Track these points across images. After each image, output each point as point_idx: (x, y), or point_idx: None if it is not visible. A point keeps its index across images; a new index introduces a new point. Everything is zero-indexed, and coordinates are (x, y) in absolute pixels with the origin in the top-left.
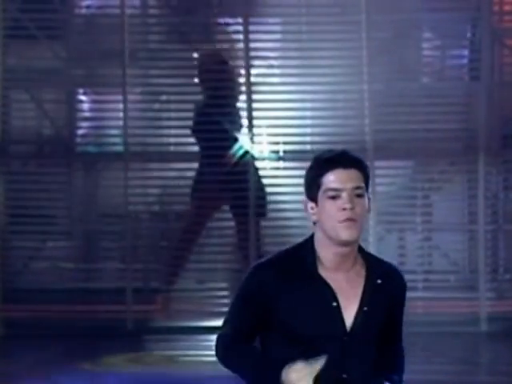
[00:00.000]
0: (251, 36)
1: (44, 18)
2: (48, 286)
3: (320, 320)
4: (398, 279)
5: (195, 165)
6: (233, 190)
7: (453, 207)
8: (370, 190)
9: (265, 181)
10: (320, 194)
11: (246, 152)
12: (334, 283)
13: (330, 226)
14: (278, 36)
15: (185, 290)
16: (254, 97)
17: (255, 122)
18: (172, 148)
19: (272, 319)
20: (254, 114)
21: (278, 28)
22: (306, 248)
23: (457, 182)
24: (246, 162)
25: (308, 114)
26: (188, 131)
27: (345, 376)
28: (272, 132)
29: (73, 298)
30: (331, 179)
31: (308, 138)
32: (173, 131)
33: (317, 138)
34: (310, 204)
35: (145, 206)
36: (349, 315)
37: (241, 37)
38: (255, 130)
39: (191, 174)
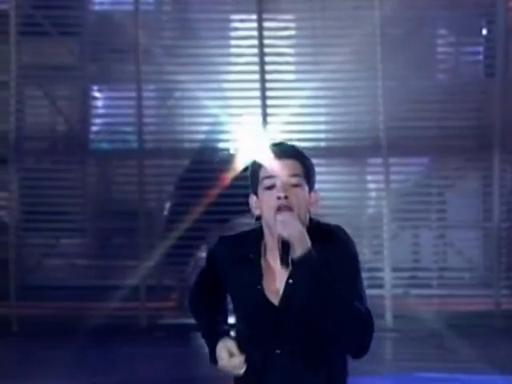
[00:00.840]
0: (265, 33)
1: (57, 15)
2: (61, 283)
3: (249, 300)
4: (337, 240)
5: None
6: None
7: (467, 204)
8: (313, 183)
9: None
10: (259, 186)
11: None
12: (274, 267)
13: (268, 217)
14: (291, 32)
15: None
16: (268, 93)
17: (269, 118)
18: (186, 144)
19: (224, 287)
20: (268, 110)
21: (292, 24)
22: (256, 232)
23: (471, 179)
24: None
25: (322, 110)
26: (202, 127)
27: (278, 351)
28: (286, 129)
29: (86, 295)
30: (267, 169)
31: (322, 135)
32: (187, 128)
33: (331, 135)
34: (253, 198)
35: (159, 203)
36: (278, 293)
37: (255, 33)
38: (269, 127)
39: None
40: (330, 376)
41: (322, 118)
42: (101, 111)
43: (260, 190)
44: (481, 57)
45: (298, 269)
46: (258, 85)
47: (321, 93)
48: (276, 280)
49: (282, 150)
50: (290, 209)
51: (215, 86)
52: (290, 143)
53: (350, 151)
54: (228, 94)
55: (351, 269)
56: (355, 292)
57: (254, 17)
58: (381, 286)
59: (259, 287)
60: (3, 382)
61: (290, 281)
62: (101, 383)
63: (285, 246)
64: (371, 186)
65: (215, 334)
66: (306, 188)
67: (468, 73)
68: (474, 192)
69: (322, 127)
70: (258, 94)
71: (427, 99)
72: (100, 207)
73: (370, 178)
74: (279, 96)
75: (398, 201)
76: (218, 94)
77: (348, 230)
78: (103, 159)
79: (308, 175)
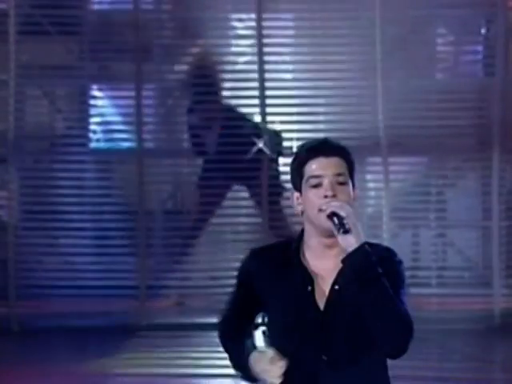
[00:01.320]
0: (264, 32)
1: (57, 14)
2: (61, 283)
3: (296, 305)
4: (387, 256)
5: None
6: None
7: (467, 203)
8: (355, 178)
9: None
10: (303, 183)
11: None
12: (316, 270)
13: (313, 215)
14: (291, 32)
15: (198, 286)
16: (267, 93)
17: (268, 117)
18: (186, 144)
19: (261, 305)
20: (268, 109)
21: (291, 24)
22: (296, 238)
23: (471, 178)
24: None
25: (321, 110)
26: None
27: (324, 358)
28: (285, 128)
29: (86, 294)
30: (313, 167)
31: (321, 134)
32: (186, 127)
33: (330, 134)
34: (296, 194)
35: (158, 203)
36: (324, 298)
37: (254, 33)
38: (268, 126)
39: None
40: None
41: (321, 118)
42: (100, 111)
43: (305, 188)
44: (480, 56)
45: (351, 260)
46: (256, 84)
47: (320, 92)
48: (321, 283)
49: (328, 148)
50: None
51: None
52: (332, 140)
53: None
54: (227, 93)
55: (399, 282)
56: (399, 297)
57: (254, 16)
58: None
59: (310, 289)
60: (3, 381)
61: (336, 287)
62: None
63: (339, 217)
64: (370, 185)
65: (246, 357)
66: (351, 185)
67: (467, 72)
68: (474, 191)
69: (321, 126)
70: (256, 93)
71: (426, 98)
72: (99, 207)
73: (369, 177)
74: (278, 95)
75: (398, 200)
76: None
77: None
78: (103, 159)
79: (352, 172)
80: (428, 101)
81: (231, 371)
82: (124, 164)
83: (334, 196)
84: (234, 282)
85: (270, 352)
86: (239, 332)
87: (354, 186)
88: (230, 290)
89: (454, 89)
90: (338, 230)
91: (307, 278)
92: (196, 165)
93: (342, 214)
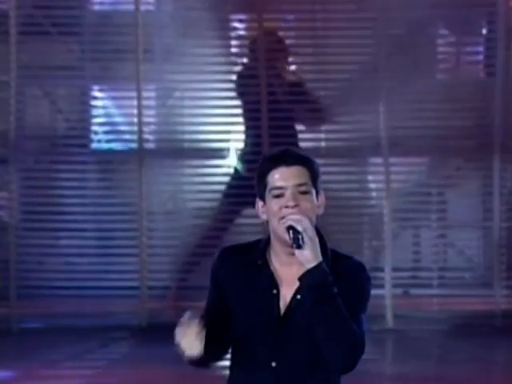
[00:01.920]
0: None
1: (58, 15)
2: (62, 283)
3: (259, 307)
4: (355, 272)
5: (209, 162)
6: None
7: (468, 204)
8: (319, 185)
9: None
10: (266, 193)
11: None
12: (281, 274)
13: (274, 225)
14: (292, 32)
15: (197, 287)
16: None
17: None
18: (186, 145)
19: (229, 304)
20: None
21: (292, 24)
22: (264, 240)
23: (472, 178)
24: None
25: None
26: (202, 127)
27: (274, 364)
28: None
29: (87, 294)
30: (275, 178)
31: (322, 135)
32: (187, 128)
33: (331, 135)
34: (260, 203)
35: (159, 203)
36: (285, 304)
37: (255, 33)
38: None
39: (206, 170)
40: None
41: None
42: (101, 111)
43: (268, 198)
44: (481, 57)
45: (308, 277)
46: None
47: (321, 93)
48: (285, 288)
49: (289, 157)
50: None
51: (215, 86)
52: (294, 149)
53: (351, 151)
54: (228, 94)
55: (361, 298)
56: (356, 318)
57: (254, 17)
58: (381, 286)
59: (275, 292)
60: (3, 382)
61: (298, 296)
62: (101, 383)
63: (295, 231)
64: (372, 185)
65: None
66: (314, 193)
67: (468, 73)
68: (475, 192)
69: (323, 127)
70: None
71: (428, 99)
72: (100, 207)
73: (370, 177)
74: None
75: (399, 200)
76: (217, 94)
77: (348, 230)
78: (103, 159)
79: (315, 179)
80: (429, 101)
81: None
82: (125, 164)
83: (295, 206)
84: None
85: (190, 322)
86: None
87: (318, 193)
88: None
89: (454, 89)
90: (292, 244)
91: (273, 282)
92: (196, 165)
93: (299, 228)
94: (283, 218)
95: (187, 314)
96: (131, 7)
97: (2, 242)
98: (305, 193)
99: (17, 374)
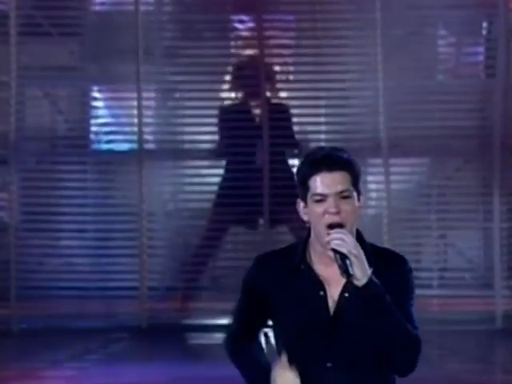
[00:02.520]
0: (265, 33)
1: (58, 15)
2: (62, 284)
3: (307, 309)
4: (396, 265)
5: (209, 162)
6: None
7: (468, 205)
8: (361, 185)
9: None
10: (308, 196)
11: None
12: (324, 274)
13: (317, 230)
14: (292, 33)
15: (199, 288)
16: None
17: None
18: (186, 146)
19: (270, 311)
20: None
21: (292, 25)
22: (302, 242)
23: (472, 179)
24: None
25: (322, 111)
26: (202, 128)
27: (329, 365)
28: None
29: (87, 295)
30: (317, 184)
31: (322, 136)
32: (187, 129)
33: (331, 136)
34: (302, 204)
35: (159, 204)
36: (333, 303)
37: (255, 34)
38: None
39: (206, 171)
40: None
41: (322, 119)
42: (101, 112)
43: (310, 202)
44: (482, 57)
45: (359, 294)
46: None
47: (321, 93)
48: (330, 288)
49: (332, 162)
50: (341, 226)
51: (215, 86)
52: (338, 152)
53: (350, 151)
54: (227, 94)
55: (408, 293)
56: (407, 313)
57: (254, 17)
58: None
59: (322, 293)
60: (3, 382)
61: (346, 294)
62: None
63: (342, 256)
64: (371, 186)
65: (263, 370)
66: (356, 195)
67: (469, 73)
68: (475, 192)
69: (323, 128)
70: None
71: (428, 100)
72: (100, 208)
73: (370, 178)
74: (279, 96)
75: (399, 201)
76: (217, 94)
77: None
78: (104, 160)
79: (356, 182)
80: (429, 102)
81: (231, 372)
82: (125, 165)
83: (337, 213)
84: (237, 285)
85: (291, 374)
86: (249, 345)
87: (359, 194)
88: (234, 294)
89: (455, 90)
90: (341, 272)
91: (318, 283)
92: (196, 166)
93: (343, 251)
94: (328, 226)
95: (284, 358)
96: (131, 8)
97: (3, 243)
98: (347, 197)
99: (17, 374)
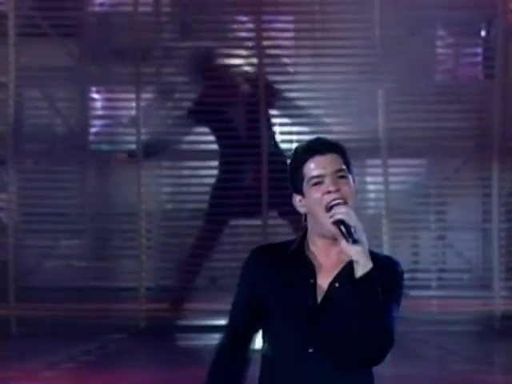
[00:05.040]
0: (264, 34)
1: (57, 16)
2: (61, 285)
3: (295, 296)
4: (388, 266)
5: (208, 163)
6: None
7: (466, 205)
8: (353, 171)
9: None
10: (304, 184)
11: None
12: (319, 263)
13: (319, 214)
14: (290, 34)
15: (197, 288)
16: None
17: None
18: (185, 146)
19: (261, 302)
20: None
21: (290, 26)
22: (300, 235)
23: (470, 180)
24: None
25: (321, 112)
26: (201, 129)
27: (311, 350)
28: (285, 130)
29: (86, 296)
30: (312, 167)
31: (321, 136)
32: (186, 129)
33: (330, 137)
34: (298, 197)
35: (158, 205)
36: (321, 292)
37: (253, 34)
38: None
39: (204, 172)
40: (361, 379)
41: (321, 120)
42: (100, 113)
43: (307, 188)
44: (480, 58)
45: (359, 286)
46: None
47: (320, 94)
48: (323, 277)
49: (322, 146)
50: (344, 203)
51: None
52: (326, 138)
53: (349, 152)
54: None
55: (396, 295)
56: (387, 311)
57: (253, 18)
58: None
59: (312, 281)
60: (2, 382)
61: (336, 284)
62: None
63: (346, 225)
64: (370, 187)
65: None
66: (351, 178)
67: (467, 74)
68: (473, 193)
69: (321, 129)
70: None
71: (426, 100)
72: (99, 208)
73: (369, 179)
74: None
75: (397, 202)
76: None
77: None
78: (102, 161)
79: (349, 165)
80: (428, 103)
81: None
82: (123, 166)
83: (337, 191)
84: (234, 283)
85: None
86: (232, 362)
87: (353, 179)
88: (233, 295)
89: (453, 91)
90: (347, 239)
91: (310, 271)
92: (194, 167)
93: (351, 223)
94: (329, 208)
95: None
96: (130, 9)
97: (1, 244)
98: (343, 177)
99: (16, 375)
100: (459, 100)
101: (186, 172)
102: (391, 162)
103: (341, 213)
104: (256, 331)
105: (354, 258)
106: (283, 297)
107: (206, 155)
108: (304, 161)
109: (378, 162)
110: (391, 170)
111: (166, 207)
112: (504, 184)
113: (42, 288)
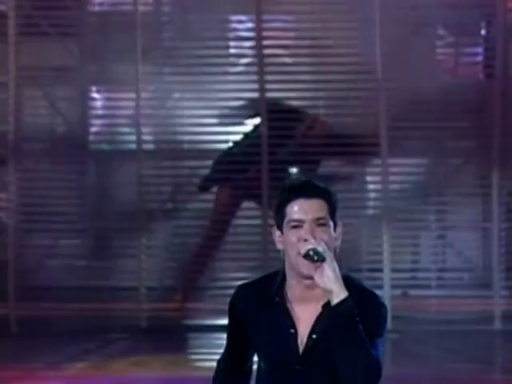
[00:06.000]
0: (264, 33)
1: (57, 16)
2: (61, 284)
3: (279, 345)
4: (369, 299)
5: (208, 163)
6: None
7: (466, 205)
8: (338, 216)
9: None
10: (285, 223)
11: None
12: (298, 312)
13: (293, 257)
14: (291, 33)
15: (198, 287)
16: (268, 94)
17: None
18: (185, 146)
19: (248, 339)
20: None
21: (291, 25)
22: (279, 275)
23: (470, 179)
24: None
25: (322, 111)
26: (201, 129)
27: (298, 367)
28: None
29: (86, 295)
30: (294, 210)
31: (312, 180)
32: (186, 129)
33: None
34: (278, 232)
35: (158, 204)
36: (302, 342)
37: (254, 34)
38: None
39: (204, 171)
40: None
41: (322, 119)
42: (100, 112)
43: (286, 229)
44: (480, 57)
45: (335, 314)
46: (257, 85)
47: (320, 94)
48: (302, 326)
49: (309, 189)
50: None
51: (214, 87)
52: (314, 180)
53: (349, 152)
54: (227, 95)
55: (377, 328)
56: (373, 347)
57: (253, 18)
58: (380, 287)
59: (293, 331)
60: (2, 382)
61: (314, 336)
62: None
63: (315, 251)
64: (370, 186)
65: None
66: (332, 225)
67: (467, 73)
68: (473, 193)
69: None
70: (256, 95)
71: (427, 100)
72: (99, 208)
73: (369, 178)
74: (278, 97)
75: (397, 201)
76: (216, 95)
77: (348, 231)
78: (102, 160)
79: (333, 212)
80: (428, 102)
81: None
82: (124, 165)
83: (314, 238)
84: (234, 283)
85: None
86: (232, 375)
87: (335, 225)
88: (231, 291)
89: (454, 90)
90: (315, 260)
91: (289, 320)
92: (194, 166)
93: (319, 249)
94: (303, 256)
95: None
96: (130, 8)
97: (2, 243)
98: (323, 225)
99: (16, 374)
100: (459, 99)
101: (186, 171)
102: (391, 161)
103: (311, 243)
104: (253, 353)
105: (328, 287)
106: (267, 339)
107: (204, 154)
108: (288, 200)
109: (378, 161)
110: (391, 170)
111: (166, 206)
112: (504, 184)
113: (43, 287)
